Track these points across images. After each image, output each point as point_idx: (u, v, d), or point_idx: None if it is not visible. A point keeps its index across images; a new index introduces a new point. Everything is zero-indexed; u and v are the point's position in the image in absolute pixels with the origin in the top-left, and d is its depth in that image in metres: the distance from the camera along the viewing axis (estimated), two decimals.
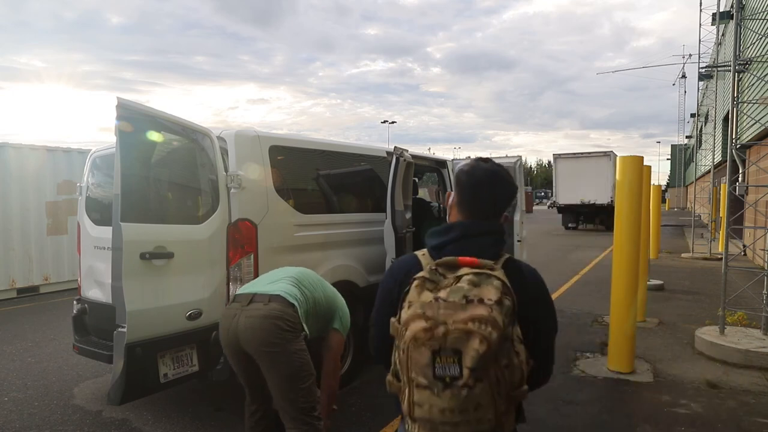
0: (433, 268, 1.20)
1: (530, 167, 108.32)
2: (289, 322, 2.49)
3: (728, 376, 4.34)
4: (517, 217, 5.79)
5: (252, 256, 3.41)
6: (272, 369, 2.45)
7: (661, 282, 8.57)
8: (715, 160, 16.57)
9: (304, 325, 2.60)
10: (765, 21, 9.00)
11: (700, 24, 14.18)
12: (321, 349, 2.84)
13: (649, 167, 6.96)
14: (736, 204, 9.69)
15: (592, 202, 20.24)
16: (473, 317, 1.07)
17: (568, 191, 20.75)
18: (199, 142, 3.29)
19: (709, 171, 18.15)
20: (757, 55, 9.41)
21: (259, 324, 2.45)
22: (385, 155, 4.84)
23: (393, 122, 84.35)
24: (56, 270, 8.53)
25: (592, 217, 21.63)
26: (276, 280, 2.73)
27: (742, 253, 11.67)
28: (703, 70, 15.87)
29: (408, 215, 4.53)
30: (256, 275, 3.40)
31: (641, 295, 5.86)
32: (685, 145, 44.20)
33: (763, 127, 9.12)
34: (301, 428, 2.47)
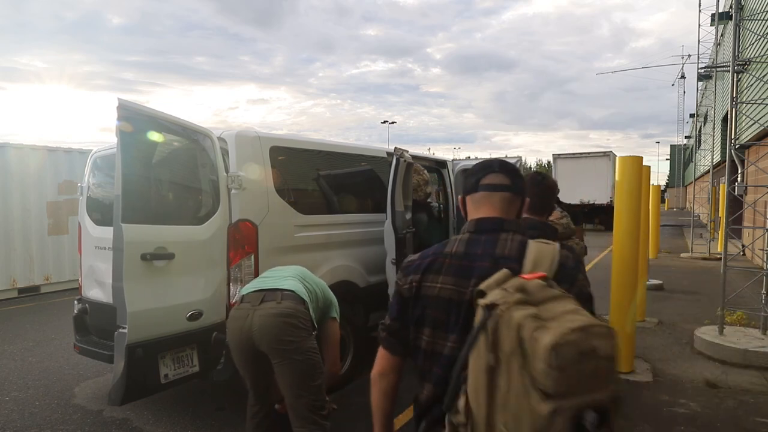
0: None
1: (530, 167, 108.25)
2: (302, 319, 2.55)
3: (727, 376, 4.35)
4: None
5: (252, 256, 3.42)
6: (285, 366, 2.48)
7: (661, 282, 8.58)
8: (714, 161, 16.58)
9: (314, 323, 2.65)
10: (764, 22, 9.02)
11: (699, 24, 14.21)
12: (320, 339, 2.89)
13: (649, 167, 6.98)
14: (735, 204, 9.71)
15: (591, 202, 20.31)
16: None
17: (568, 191, 20.78)
18: (199, 143, 3.30)
19: (708, 171, 18.16)
20: (756, 55, 9.42)
21: (273, 322, 2.49)
22: (385, 156, 4.85)
23: (393, 122, 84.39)
24: (57, 270, 8.53)
25: (592, 217, 21.68)
26: (282, 278, 2.75)
27: (741, 253, 11.68)
28: (702, 70, 15.91)
29: (408, 216, 4.54)
30: (257, 276, 3.40)
31: (640, 295, 5.87)
32: (684, 145, 44.21)
33: (762, 128, 9.13)
34: (310, 428, 2.49)
